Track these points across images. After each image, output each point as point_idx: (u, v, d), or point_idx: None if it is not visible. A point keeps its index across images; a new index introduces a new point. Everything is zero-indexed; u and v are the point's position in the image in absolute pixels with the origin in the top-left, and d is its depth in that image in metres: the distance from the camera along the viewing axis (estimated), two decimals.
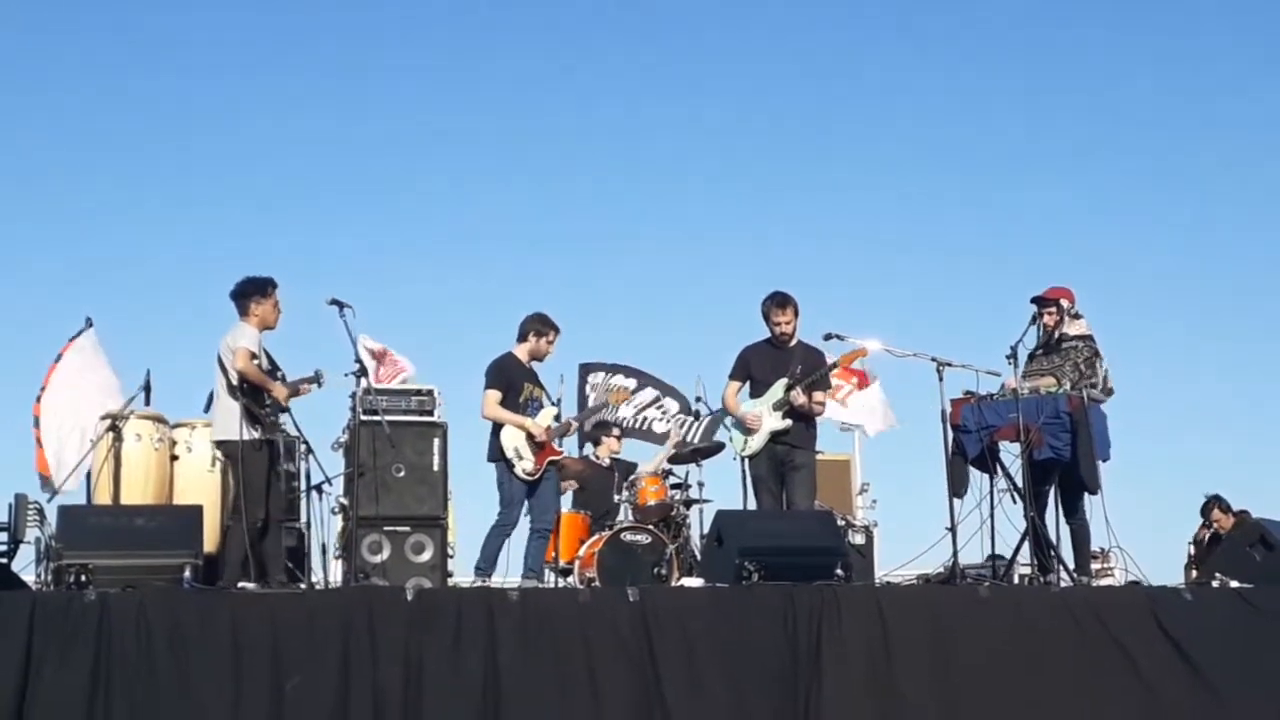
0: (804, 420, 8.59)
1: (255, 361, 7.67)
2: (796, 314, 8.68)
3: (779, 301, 8.67)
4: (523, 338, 8.83)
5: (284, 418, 7.88)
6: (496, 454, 8.53)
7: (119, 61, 18.87)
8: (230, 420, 7.62)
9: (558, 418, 8.75)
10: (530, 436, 8.51)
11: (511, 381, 8.64)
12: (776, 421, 8.52)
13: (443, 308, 19.45)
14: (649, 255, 19.73)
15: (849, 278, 19.15)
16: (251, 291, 7.88)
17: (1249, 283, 19.29)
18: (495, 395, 8.60)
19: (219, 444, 7.86)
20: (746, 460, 8.66)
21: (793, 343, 8.71)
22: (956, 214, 19.84)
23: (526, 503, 8.59)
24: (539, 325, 8.82)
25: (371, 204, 19.64)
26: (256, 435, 7.66)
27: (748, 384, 8.79)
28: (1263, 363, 19.27)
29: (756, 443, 8.57)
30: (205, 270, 17.58)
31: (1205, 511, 11.83)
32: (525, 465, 8.48)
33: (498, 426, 8.56)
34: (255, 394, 7.68)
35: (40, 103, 18.06)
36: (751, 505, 8.61)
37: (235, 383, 7.63)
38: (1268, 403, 18.73)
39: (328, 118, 19.50)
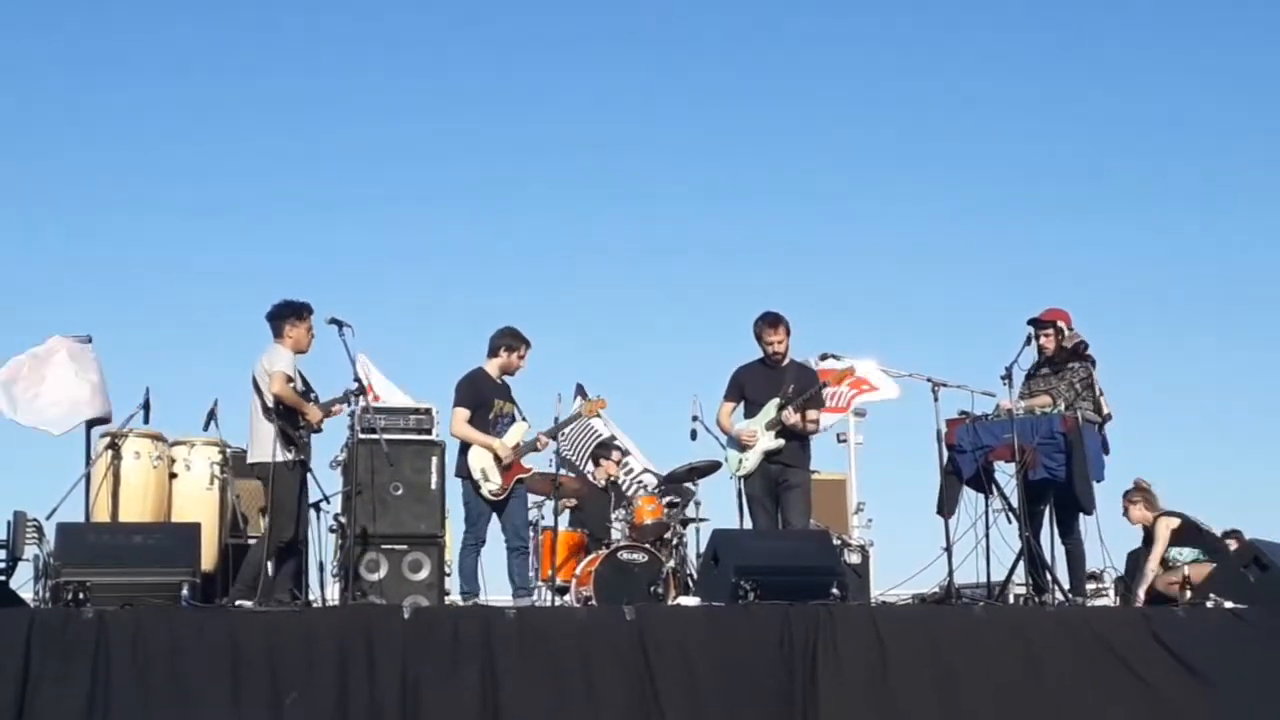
0: (798, 439, 8.62)
1: (291, 384, 7.75)
2: (788, 333, 8.71)
3: (770, 321, 8.71)
4: (493, 353, 8.82)
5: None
6: (463, 471, 8.56)
7: (119, 67, 18.97)
8: (265, 441, 7.70)
9: (553, 435, 8.76)
10: (498, 457, 8.53)
11: (482, 398, 8.64)
12: (770, 441, 8.55)
13: (439, 323, 19.49)
14: (648, 271, 19.79)
15: (846, 297, 19.19)
16: (288, 314, 7.98)
17: (1246, 296, 19.37)
18: (463, 413, 8.60)
19: (253, 465, 7.92)
20: (741, 480, 8.69)
21: (785, 362, 8.74)
22: (953, 232, 19.91)
23: (498, 521, 8.61)
24: (510, 340, 8.81)
25: (369, 213, 19.69)
26: (290, 457, 7.73)
27: (742, 405, 8.83)
28: (1256, 375, 19.34)
29: (751, 463, 8.60)
30: (205, 284, 17.65)
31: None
32: (490, 486, 8.50)
33: (466, 444, 8.58)
34: (290, 416, 7.76)
35: (35, 104, 18.16)
36: (747, 525, 8.64)
37: (270, 404, 7.70)
38: (1262, 419, 18.78)
39: (326, 124, 19.59)
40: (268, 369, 7.79)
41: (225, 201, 18.99)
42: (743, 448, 8.65)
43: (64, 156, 18.72)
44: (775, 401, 8.55)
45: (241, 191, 19.51)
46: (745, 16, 19.84)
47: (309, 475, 7.96)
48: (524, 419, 8.78)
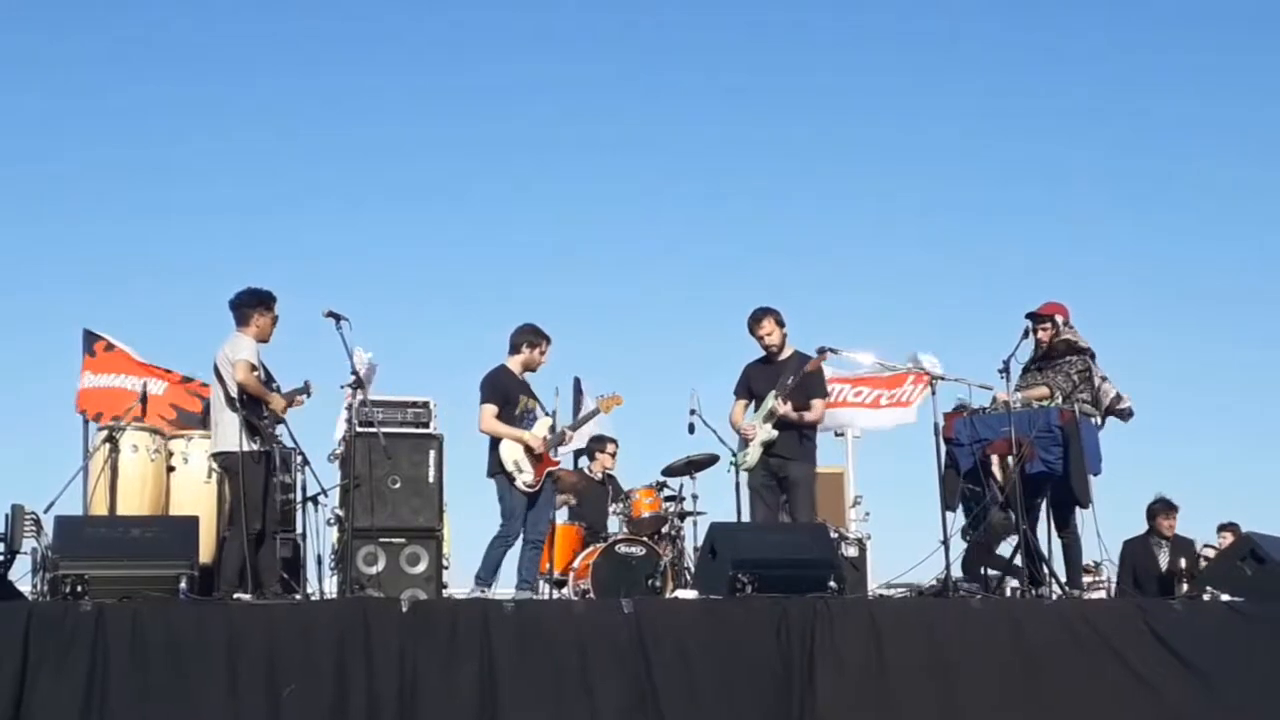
0: (796, 431, 8.62)
1: (255, 373, 7.72)
2: (779, 325, 8.74)
3: (755, 317, 8.78)
4: (515, 350, 8.84)
5: (280, 429, 7.93)
6: (497, 468, 8.54)
7: (113, 64, 18.95)
8: (229, 432, 7.67)
9: (553, 428, 8.78)
10: (529, 449, 8.53)
11: (507, 394, 8.66)
12: (766, 433, 8.56)
13: (437, 319, 19.49)
14: (645, 267, 19.78)
15: (844, 289, 19.19)
16: (254, 303, 7.93)
17: (1236, 291, 19.38)
18: (492, 410, 8.60)
19: (217, 455, 7.89)
20: (746, 473, 8.72)
21: (784, 355, 8.75)
22: (951, 227, 19.92)
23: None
24: (532, 336, 8.83)
25: (366, 212, 19.66)
26: (255, 447, 7.70)
27: (754, 402, 8.82)
28: (1250, 370, 19.35)
29: (752, 456, 8.62)
30: (202, 279, 17.63)
31: None
32: (526, 478, 8.50)
33: (496, 441, 8.57)
34: (254, 405, 7.72)
35: (35, 105, 18.13)
36: (746, 517, 8.66)
37: (234, 394, 7.67)
38: (1255, 411, 18.79)
39: (323, 123, 19.56)
40: (230, 357, 7.72)
41: (224, 199, 18.99)
42: (746, 442, 8.67)
43: (65, 155, 18.72)
44: (773, 393, 8.57)
45: (241, 190, 19.49)
46: (744, 15, 19.84)
47: (308, 468, 7.98)
48: (547, 414, 8.80)
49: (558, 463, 8.82)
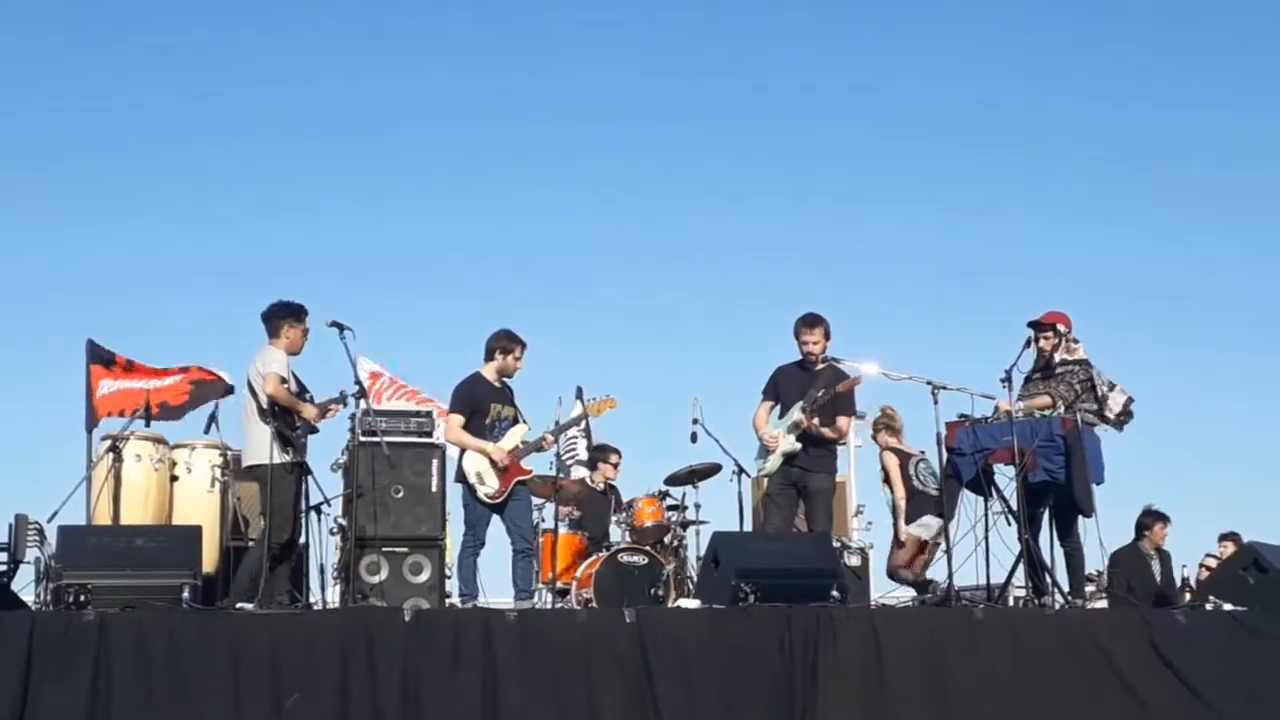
0: (821, 444, 8.56)
1: (285, 385, 7.76)
2: (826, 336, 8.60)
3: (808, 322, 8.62)
4: (489, 356, 8.80)
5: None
6: (459, 476, 8.57)
7: (116, 69, 19.00)
8: (261, 444, 7.70)
9: (529, 437, 8.75)
10: (494, 461, 8.53)
11: (476, 404, 8.63)
12: (789, 443, 8.52)
13: (439, 325, 19.51)
14: (648, 275, 19.80)
15: (846, 299, 19.20)
16: (285, 315, 8.00)
17: (1246, 297, 19.39)
18: (458, 420, 8.60)
19: (250, 468, 7.92)
20: (765, 480, 8.70)
21: (820, 365, 8.66)
22: (951, 234, 19.93)
23: (501, 524, 8.61)
24: (505, 342, 8.79)
25: (368, 215, 19.71)
26: (288, 458, 7.73)
27: (780, 405, 8.74)
28: (1250, 374, 19.35)
29: (771, 465, 8.59)
30: (206, 285, 17.68)
31: None
32: (486, 490, 8.49)
33: (463, 449, 8.58)
34: (286, 417, 7.76)
35: (35, 106, 18.18)
36: (749, 526, 8.63)
37: (266, 406, 7.70)
38: (1257, 419, 18.79)
39: (327, 127, 19.61)
40: (261, 370, 7.79)
41: (227, 202, 19.04)
42: (768, 451, 8.65)
43: (66, 156, 18.77)
44: (800, 404, 8.52)
45: (243, 193, 19.55)
46: (745, 16, 19.88)
47: (310, 478, 7.99)
48: (524, 421, 8.78)
49: (529, 472, 8.74)
